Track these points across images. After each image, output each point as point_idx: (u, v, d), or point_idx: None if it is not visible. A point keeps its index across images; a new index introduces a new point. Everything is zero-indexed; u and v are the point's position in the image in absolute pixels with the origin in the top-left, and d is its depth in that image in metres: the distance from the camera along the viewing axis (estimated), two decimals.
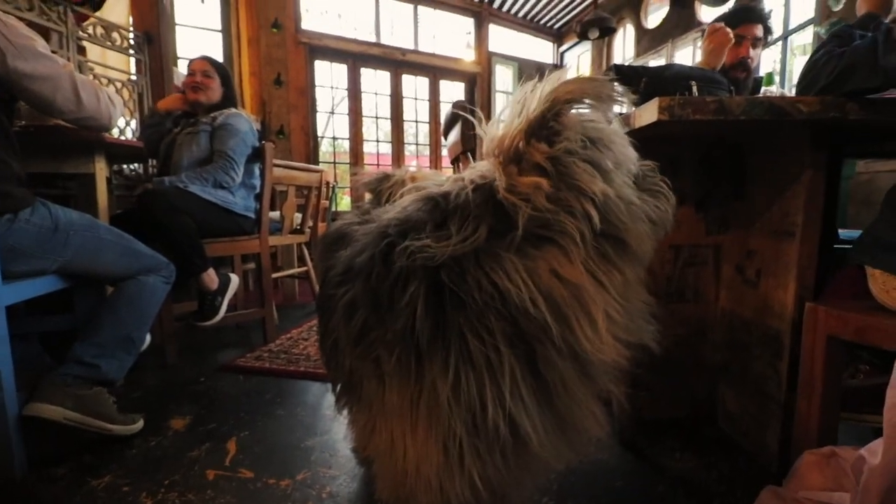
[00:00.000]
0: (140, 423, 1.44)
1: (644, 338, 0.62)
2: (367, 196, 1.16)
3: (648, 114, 1.03)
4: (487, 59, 6.21)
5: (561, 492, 1.15)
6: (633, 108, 1.13)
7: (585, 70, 6.26)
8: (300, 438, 1.41)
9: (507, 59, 6.45)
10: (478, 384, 0.51)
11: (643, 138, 1.28)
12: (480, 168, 0.57)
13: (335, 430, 1.45)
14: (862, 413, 1.12)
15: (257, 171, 2.37)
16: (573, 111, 0.56)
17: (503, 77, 6.46)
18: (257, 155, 2.33)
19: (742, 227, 1.39)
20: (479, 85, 6.22)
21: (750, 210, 1.36)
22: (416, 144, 6.24)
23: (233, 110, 2.32)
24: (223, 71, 2.36)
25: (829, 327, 0.93)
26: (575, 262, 0.49)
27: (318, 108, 5.45)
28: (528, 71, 6.52)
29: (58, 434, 1.33)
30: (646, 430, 1.44)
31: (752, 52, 1.91)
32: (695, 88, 1.22)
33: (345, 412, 0.83)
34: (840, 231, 1.58)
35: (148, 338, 1.72)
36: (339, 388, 0.79)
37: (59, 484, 1.19)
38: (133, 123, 3.47)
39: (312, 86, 5.31)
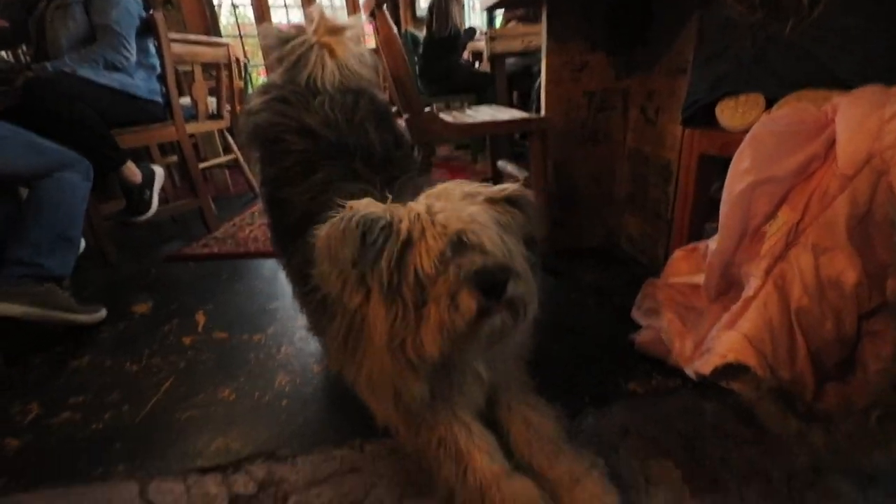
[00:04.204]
0: (103, 312, 1.51)
1: None
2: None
3: None
4: None
5: None
6: None
7: None
8: (264, 303, 1.55)
9: None
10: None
11: None
12: None
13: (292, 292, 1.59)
14: None
15: (153, 48, 2.12)
16: None
17: None
18: (147, 28, 2.06)
19: (646, 70, 1.50)
20: None
21: (653, 53, 1.45)
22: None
23: None
24: None
25: (702, 146, 1.11)
26: None
27: None
28: None
29: (22, 331, 1.38)
30: (565, 258, 1.70)
31: None
32: None
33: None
34: None
35: (82, 242, 1.69)
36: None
37: (41, 370, 1.28)
38: None
39: None
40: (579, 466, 0.78)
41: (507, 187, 0.74)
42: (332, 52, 1.07)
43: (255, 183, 1.14)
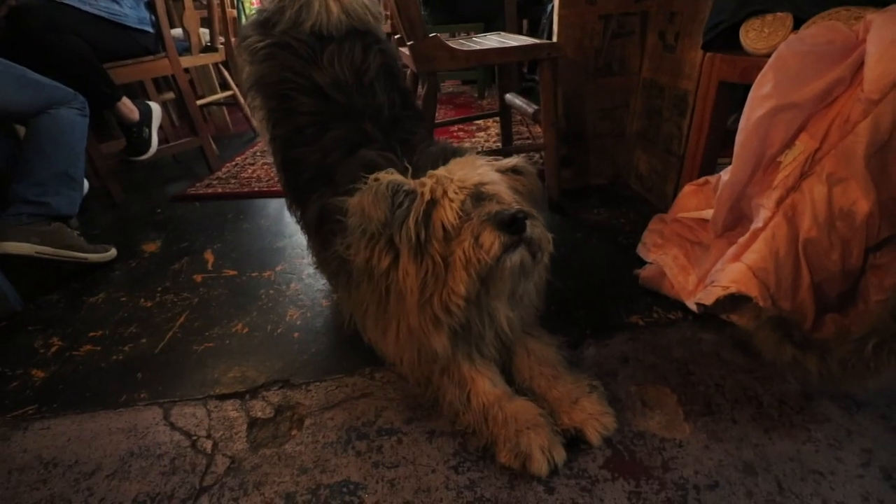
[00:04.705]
0: (113, 252, 1.53)
1: None
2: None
3: None
4: None
5: None
6: None
7: None
8: (271, 242, 1.56)
9: None
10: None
11: None
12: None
13: (301, 234, 1.60)
14: None
15: None
16: None
17: None
18: None
19: None
20: None
21: None
22: None
23: None
24: None
25: (722, 72, 1.05)
26: None
27: None
28: None
29: (37, 270, 1.41)
30: (572, 197, 1.68)
31: None
32: None
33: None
34: None
35: (86, 183, 1.68)
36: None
37: (59, 306, 1.33)
38: None
39: None
40: (578, 388, 0.83)
41: (512, 160, 0.82)
42: None
43: (255, 124, 1.13)
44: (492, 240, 0.67)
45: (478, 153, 0.85)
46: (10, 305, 1.30)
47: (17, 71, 1.38)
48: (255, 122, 1.19)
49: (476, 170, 0.75)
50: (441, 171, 0.75)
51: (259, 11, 1.09)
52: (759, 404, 0.85)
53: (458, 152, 0.83)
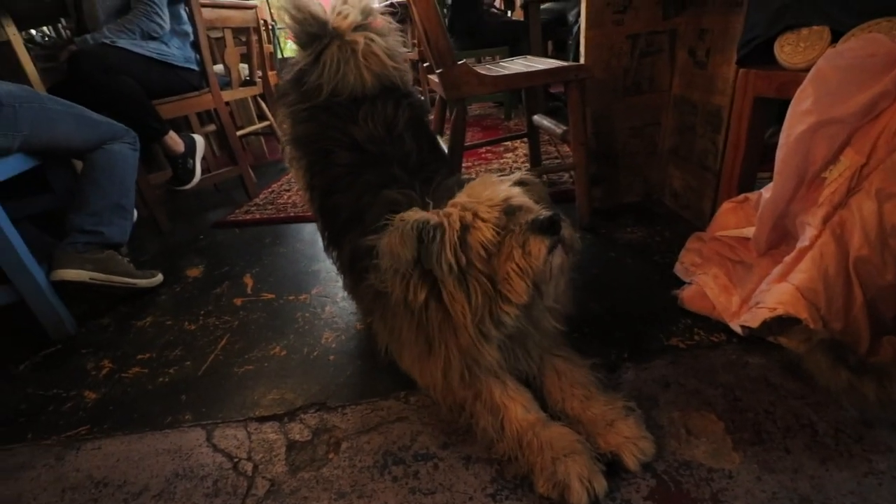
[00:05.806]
0: (160, 277, 1.61)
1: None
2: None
3: None
4: None
5: None
6: None
7: None
8: (306, 266, 1.60)
9: None
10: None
11: None
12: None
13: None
14: None
15: (185, 15, 2.13)
16: None
17: None
18: None
19: (697, 7, 1.39)
20: None
21: None
22: None
23: None
24: None
25: (757, 88, 1.03)
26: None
27: None
28: None
29: (90, 295, 1.49)
30: (603, 216, 1.66)
31: None
32: None
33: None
34: None
35: (135, 212, 1.78)
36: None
37: (110, 330, 1.40)
38: None
39: None
40: (613, 410, 0.81)
41: (515, 175, 0.86)
42: (368, 68, 1.10)
43: (292, 173, 1.23)
44: (539, 245, 0.72)
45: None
46: (66, 329, 1.38)
47: (76, 111, 1.50)
48: (291, 171, 1.26)
49: (498, 186, 0.79)
50: (461, 197, 0.79)
51: (298, 71, 1.15)
52: (814, 432, 0.80)
53: (470, 181, 0.87)
